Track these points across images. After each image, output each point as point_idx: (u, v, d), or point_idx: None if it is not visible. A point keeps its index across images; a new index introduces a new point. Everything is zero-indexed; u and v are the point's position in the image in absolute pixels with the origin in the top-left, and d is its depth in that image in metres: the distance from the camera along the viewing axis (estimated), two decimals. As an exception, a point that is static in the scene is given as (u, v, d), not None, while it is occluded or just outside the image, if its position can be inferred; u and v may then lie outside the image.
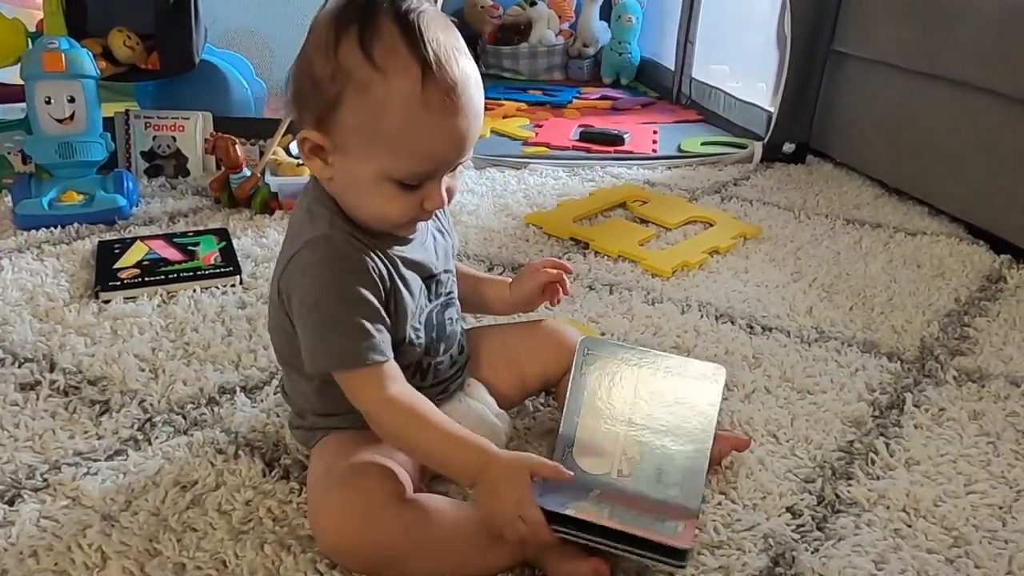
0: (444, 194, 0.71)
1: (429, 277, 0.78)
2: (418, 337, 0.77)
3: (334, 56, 0.65)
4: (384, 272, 0.72)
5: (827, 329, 1.18)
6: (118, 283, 1.21)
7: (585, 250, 1.45)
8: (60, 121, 1.48)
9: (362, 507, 0.67)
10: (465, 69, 0.67)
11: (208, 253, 1.32)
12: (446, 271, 0.82)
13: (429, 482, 0.81)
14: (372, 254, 0.72)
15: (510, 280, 0.91)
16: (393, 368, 0.71)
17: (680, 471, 0.76)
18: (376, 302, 0.71)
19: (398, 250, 0.75)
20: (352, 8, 0.66)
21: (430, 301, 0.79)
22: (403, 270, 0.74)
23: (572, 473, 0.71)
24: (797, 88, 2.01)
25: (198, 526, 0.74)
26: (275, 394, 0.96)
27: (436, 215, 0.82)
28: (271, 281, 0.77)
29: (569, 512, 0.68)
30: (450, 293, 0.83)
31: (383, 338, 0.71)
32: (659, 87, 2.93)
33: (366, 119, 0.66)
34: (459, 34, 0.69)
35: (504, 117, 2.42)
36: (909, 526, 0.79)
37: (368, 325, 0.69)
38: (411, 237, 0.77)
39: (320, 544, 0.70)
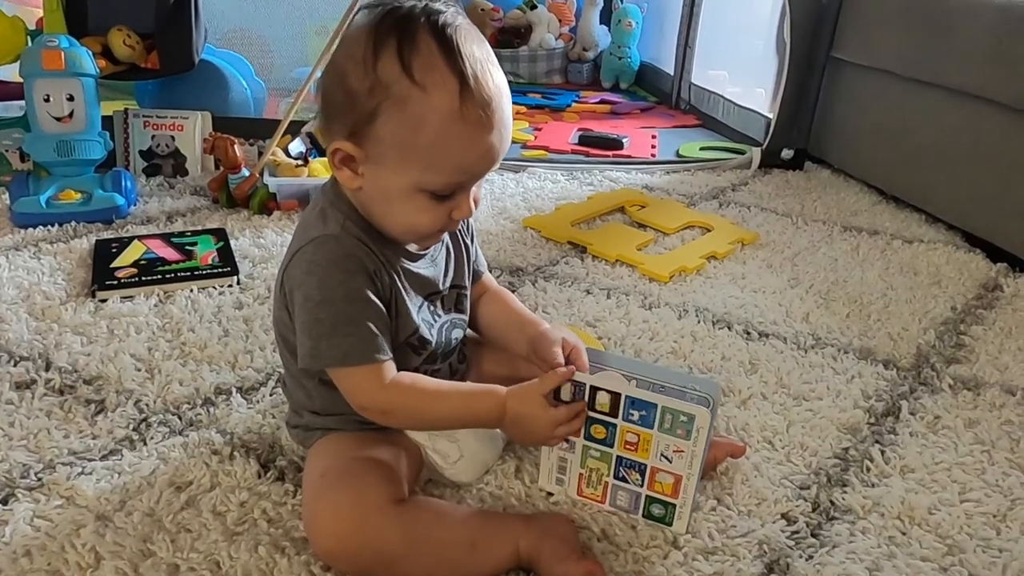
0: (472, 204, 0.72)
1: (432, 294, 0.79)
2: (424, 346, 0.77)
3: (372, 70, 0.65)
4: (386, 279, 0.73)
5: (824, 336, 1.18)
6: (115, 282, 1.21)
7: (583, 254, 1.45)
8: (59, 119, 1.48)
9: (357, 509, 0.67)
10: (499, 83, 0.68)
11: (206, 253, 1.32)
12: (455, 286, 0.82)
13: (424, 485, 0.81)
14: (377, 261, 0.72)
15: (538, 327, 0.82)
16: (392, 365, 0.72)
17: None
18: (380, 303, 0.71)
19: (405, 263, 0.75)
20: (390, 22, 0.66)
21: (436, 318, 0.79)
22: (405, 282, 0.75)
23: (574, 368, 0.74)
24: (796, 94, 2.01)
25: (192, 527, 0.74)
26: (271, 395, 0.96)
27: (458, 228, 0.83)
28: (276, 276, 0.77)
29: (598, 383, 0.73)
30: (459, 312, 0.83)
31: (386, 338, 0.72)
32: (658, 92, 2.93)
33: (404, 133, 0.66)
34: (490, 47, 0.70)
35: (503, 120, 2.42)
36: (904, 534, 0.79)
37: (372, 325, 0.70)
38: (423, 253, 0.77)
39: (315, 546, 0.70)
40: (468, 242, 0.85)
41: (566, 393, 0.75)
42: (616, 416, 0.74)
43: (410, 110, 0.65)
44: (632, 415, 0.73)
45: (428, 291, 0.78)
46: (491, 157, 0.69)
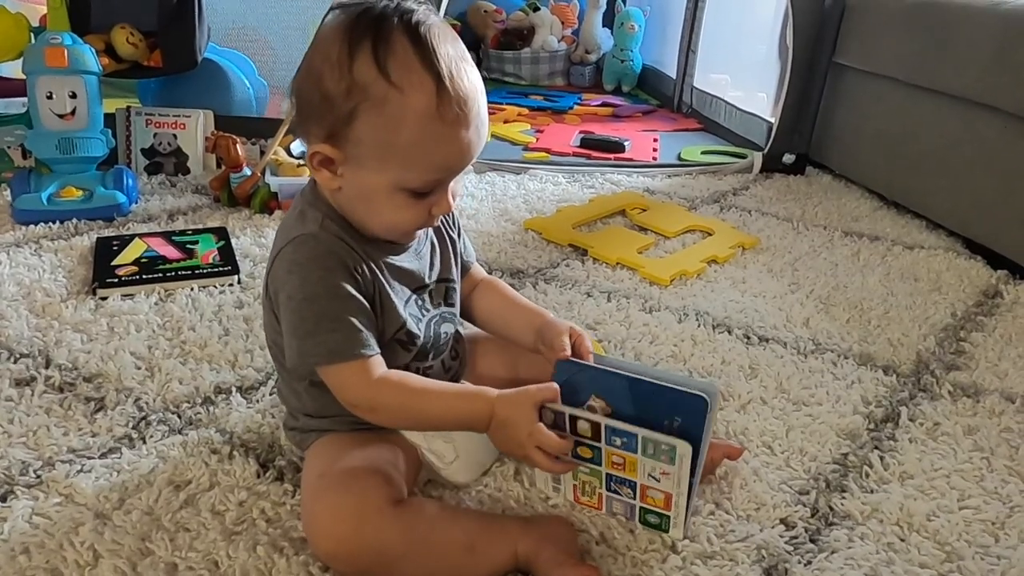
0: (451, 199, 0.72)
1: (419, 288, 0.79)
2: (412, 342, 0.77)
3: (348, 72, 0.65)
4: (368, 275, 0.73)
5: (824, 341, 1.18)
6: (116, 280, 1.21)
7: (584, 257, 1.45)
8: (61, 116, 1.48)
9: (356, 510, 0.67)
10: (473, 80, 0.68)
11: (206, 252, 1.32)
12: (442, 280, 0.82)
13: (423, 486, 0.81)
14: (358, 257, 0.72)
15: (543, 316, 0.83)
16: (380, 360, 0.72)
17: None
18: (362, 298, 0.71)
19: (388, 258, 0.75)
20: (363, 23, 0.66)
21: (424, 312, 0.79)
22: (389, 277, 0.75)
23: (556, 389, 0.71)
24: (798, 99, 2.01)
25: (191, 526, 0.74)
26: (271, 395, 0.96)
27: (442, 223, 0.83)
28: (263, 281, 0.77)
29: (579, 413, 0.71)
30: (449, 305, 0.83)
31: (371, 333, 0.71)
32: (660, 95, 2.94)
33: (383, 133, 0.66)
34: (462, 43, 0.70)
35: (505, 122, 2.42)
36: (902, 540, 0.79)
37: (356, 320, 0.70)
38: (408, 245, 0.77)
39: (314, 547, 0.70)
40: (454, 236, 0.85)
41: (547, 417, 0.71)
42: (599, 440, 0.72)
43: (388, 111, 0.65)
44: (615, 441, 0.72)
45: (414, 285, 0.78)
46: (469, 153, 0.70)
